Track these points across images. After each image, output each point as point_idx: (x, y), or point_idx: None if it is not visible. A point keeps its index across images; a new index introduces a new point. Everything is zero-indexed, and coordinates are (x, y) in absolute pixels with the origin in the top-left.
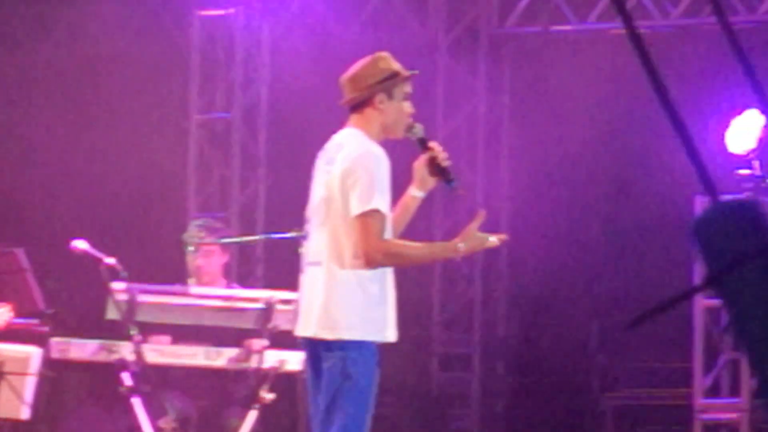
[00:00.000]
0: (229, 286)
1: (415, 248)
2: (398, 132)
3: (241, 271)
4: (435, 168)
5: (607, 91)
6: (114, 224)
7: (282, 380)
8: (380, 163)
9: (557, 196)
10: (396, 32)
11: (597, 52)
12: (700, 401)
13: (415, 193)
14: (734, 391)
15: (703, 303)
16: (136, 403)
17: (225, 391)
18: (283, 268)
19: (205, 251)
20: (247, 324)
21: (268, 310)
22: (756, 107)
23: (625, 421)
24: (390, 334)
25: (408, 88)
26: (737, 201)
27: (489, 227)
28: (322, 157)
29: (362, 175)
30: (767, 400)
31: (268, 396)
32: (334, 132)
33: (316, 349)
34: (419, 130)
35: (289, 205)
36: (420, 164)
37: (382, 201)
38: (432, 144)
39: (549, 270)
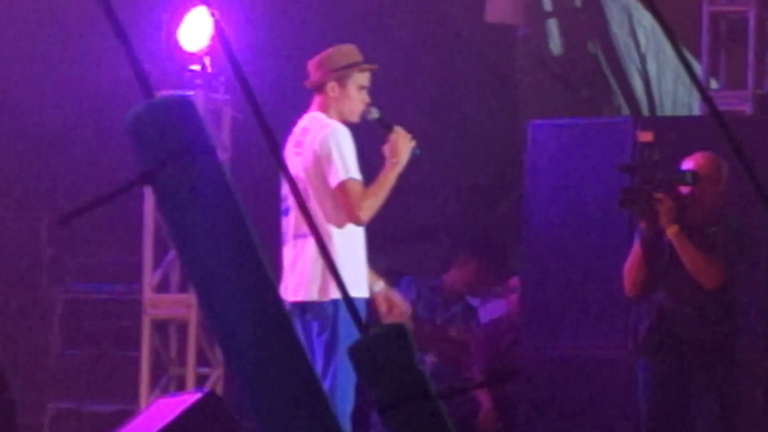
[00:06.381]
0: None
1: (379, 189)
2: (353, 118)
3: None
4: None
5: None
6: None
7: None
8: (345, 136)
9: None
10: None
11: None
12: (149, 296)
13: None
14: (183, 287)
15: (152, 199)
16: None
17: None
18: None
19: None
20: None
21: None
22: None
23: (74, 315)
24: (365, 289)
25: (363, 80)
26: (169, 98)
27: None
28: (291, 142)
29: (333, 150)
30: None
31: None
32: None
33: (304, 311)
34: (375, 112)
35: None
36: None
37: (354, 168)
38: (396, 128)
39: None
